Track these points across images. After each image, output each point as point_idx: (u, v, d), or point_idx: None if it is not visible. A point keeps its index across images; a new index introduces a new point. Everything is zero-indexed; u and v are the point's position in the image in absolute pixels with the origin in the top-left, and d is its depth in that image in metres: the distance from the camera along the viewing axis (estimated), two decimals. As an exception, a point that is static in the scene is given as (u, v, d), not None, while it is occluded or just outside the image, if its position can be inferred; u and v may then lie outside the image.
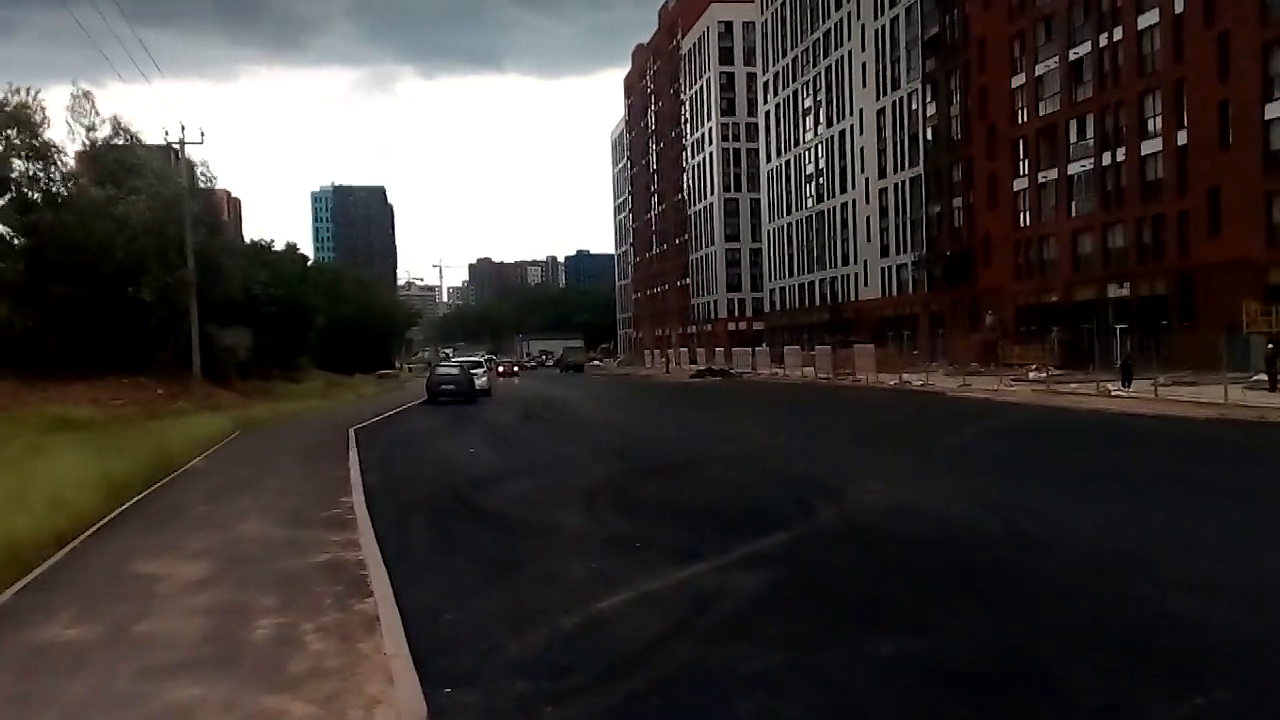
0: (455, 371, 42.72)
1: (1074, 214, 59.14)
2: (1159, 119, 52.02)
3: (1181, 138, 50.28)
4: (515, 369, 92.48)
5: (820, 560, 9.31)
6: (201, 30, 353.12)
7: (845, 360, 60.72)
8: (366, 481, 15.44)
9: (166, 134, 35.91)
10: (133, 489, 14.11)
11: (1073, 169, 59.01)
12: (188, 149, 36.46)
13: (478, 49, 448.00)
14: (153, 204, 34.37)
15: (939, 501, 12.83)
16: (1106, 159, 55.99)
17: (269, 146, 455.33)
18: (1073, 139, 59.13)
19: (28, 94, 32.93)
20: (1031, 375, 50.11)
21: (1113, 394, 36.35)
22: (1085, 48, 57.02)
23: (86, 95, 35.40)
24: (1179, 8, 49.67)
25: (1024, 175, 63.46)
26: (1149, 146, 52.78)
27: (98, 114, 36.04)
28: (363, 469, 17.20)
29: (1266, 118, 45.18)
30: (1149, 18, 51.95)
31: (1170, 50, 50.59)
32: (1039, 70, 61.40)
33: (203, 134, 34.31)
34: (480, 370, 48.32)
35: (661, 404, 43.34)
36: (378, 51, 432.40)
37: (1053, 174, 60.66)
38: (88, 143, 36.25)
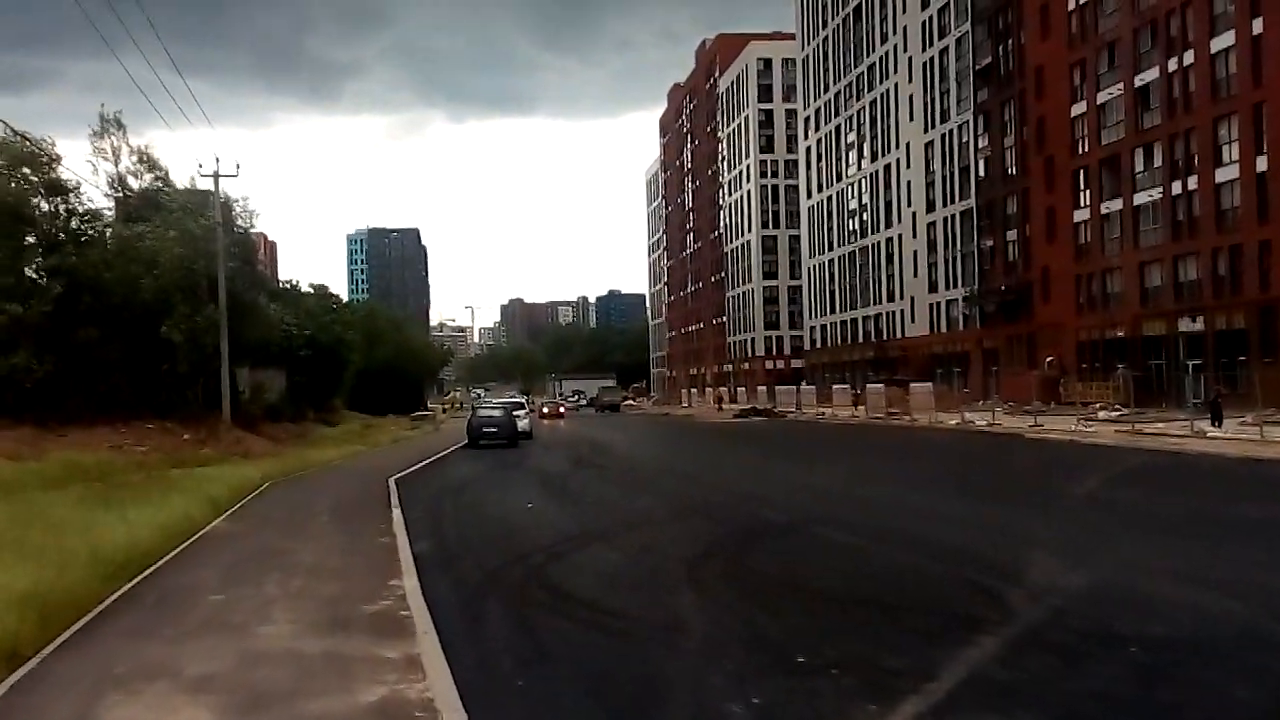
0: (497, 413, 40.34)
1: (1140, 245, 56.27)
2: (1235, 145, 49.28)
3: (1261, 164, 47.48)
4: (561, 410, 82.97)
5: (1084, 691, 6.60)
6: (238, 80, 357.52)
7: (898, 399, 57.94)
8: (417, 551, 12.92)
9: (200, 166, 34.04)
10: (132, 564, 11.51)
11: (1139, 199, 56.27)
12: (222, 183, 34.49)
13: (507, 92, 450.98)
14: (183, 240, 32.48)
15: (1148, 582, 10.22)
16: (1177, 188, 53.22)
17: (304, 191, 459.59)
18: (1138, 168, 56.44)
19: (42, 142, 31.47)
20: (1102, 415, 47.33)
21: (1208, 435, 33.49)
22: (1152, 74, 54.49)
23: (116, 121, 33.55)
24: (1257, 29, 47.08)
25: (1085, 207, 60.76)
26: (1224, 174, 50.02)
27: (127, 144, 34.22)
28: (410, 532, 14.68)
29: (1357, 141, 42.40)
30: (1223, 40, 49.43)
31: (1248, 73, 47.97)
32: (1101, 98, 58.88)
33: (238, 167, 32.69)
34: (522, 412, 45.99)
35: (717, 447, 40.67)
36: (409, 96, 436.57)
37: (1117, 205, 57.92)
38: (114, 177, 34.46)
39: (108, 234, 33.32)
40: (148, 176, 35.27)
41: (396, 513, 17.29)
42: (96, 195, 34.90)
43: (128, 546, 11.86)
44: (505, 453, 35.06)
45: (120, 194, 34.60)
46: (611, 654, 8.12)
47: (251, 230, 38.71)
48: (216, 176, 33.98)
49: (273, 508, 18.73)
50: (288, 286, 54.32)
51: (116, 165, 34.19)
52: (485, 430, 38.42)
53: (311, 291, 55.96)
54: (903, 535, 13.98)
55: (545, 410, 76.81)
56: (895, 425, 50.96)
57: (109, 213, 34.77)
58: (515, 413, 42.16)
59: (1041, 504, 17.42)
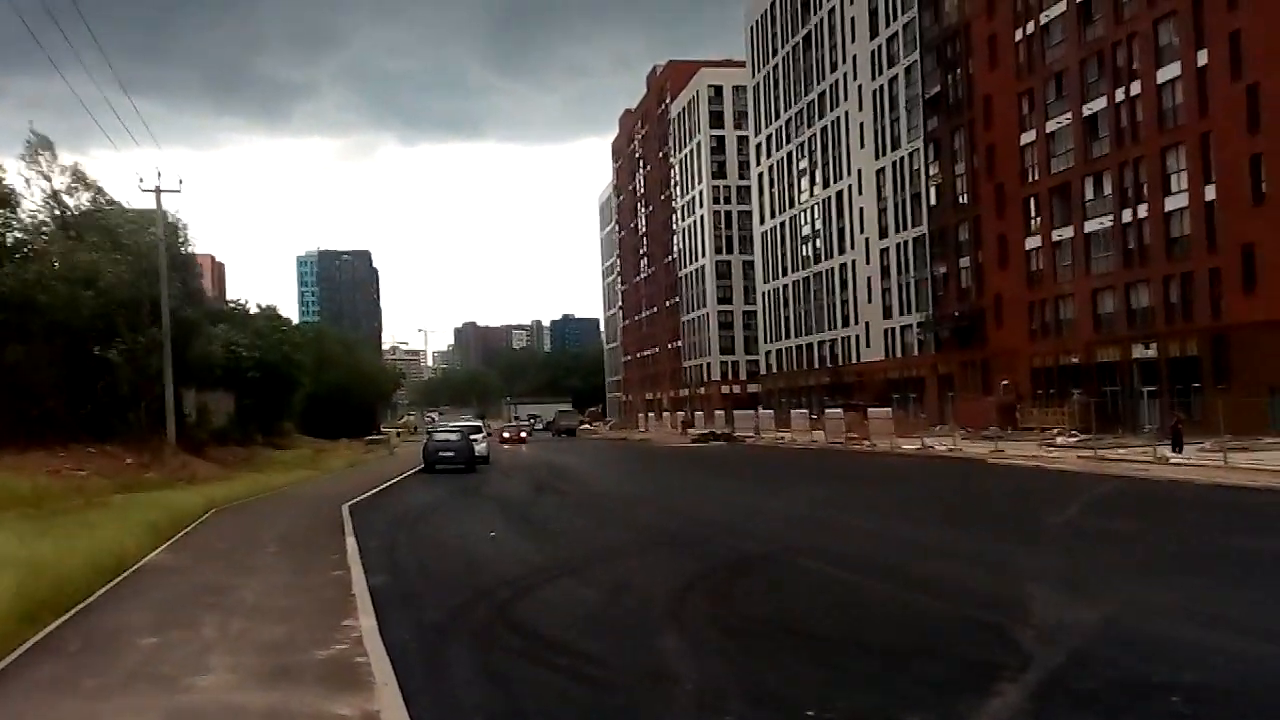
0: (454, 437, 39.34)
1: (1092, 272, 56.80)
2: (1184, 174, 49.90)
3: (1210, 192, 48.11)
4: (523, 435, 79.65)
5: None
6: (186, 99, 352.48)
7: (857, 424, 57.74)
8: (373, 585, 12.02)
9: (140, 180, 32.65)
10: (57, 604, 10.43)
11: (1090, 226, 56.81)
12: (164, 199, 33.28)
13: (459, 116, 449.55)
14: (125, 257, 31.23)
15: (1163, 621, 9.67)
16: (1127, 216, 53.79)
17: (254, 213, 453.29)
18: (1089, 196, 57.03)
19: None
20: (1060, 440, 47.46)
21: (1171, 461, 33.51)
22: (1100, 103, 55.18)
23: (44, 142, 32.23)
24: (1202, 60, 47.84)
25: (1036, 234, 61.28)
26: (1173, 202, 50.62)
27: (57, 163, 32.87)
28: (366, 565, 13.67)
29: (1307, 171, 43.07)
30: (1169, 71, 50.16)
31: (1195, 103, 48.64)
32: (1050, 127, 59.51)
33: (180, 182, 31.02)
34: (480, 436, 45.01)
35: (680, 472, 40.00)
36: (360, 119, 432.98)
37: (1068, 232, 58.45)
38: (47, 193, 33.06)
39: (47, 251, 31.83)
40: (84, 195, 33.91)
41: (351, 542, 16.29)
42: (34, 209, 33.24)
43: (54, 582, 10.81)
44: (463, 478, 34.10)
45: (56, 211, 33.19)
46: (595, 710, 7.36)
47: (191, 249, 37.46)
48: (159, 191, 32.82)
49: (217, 537, 17.58)
50: (234, 307, 52.85)
51: (49, 182, 32.85)
52: (442, 455, 37.46)
53: (259, 312, 54.50)
54: (891, 568, 13.35)
55: (506, 435, 74.01)
56: (856, 450, 50.73)
57: (48, 229, 33.30)
58: (472, 436, 41.18)
59: (1024, 534, 16.92)
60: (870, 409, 59.00)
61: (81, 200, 33.95)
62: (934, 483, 30.33)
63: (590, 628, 10.02)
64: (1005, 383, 63.50)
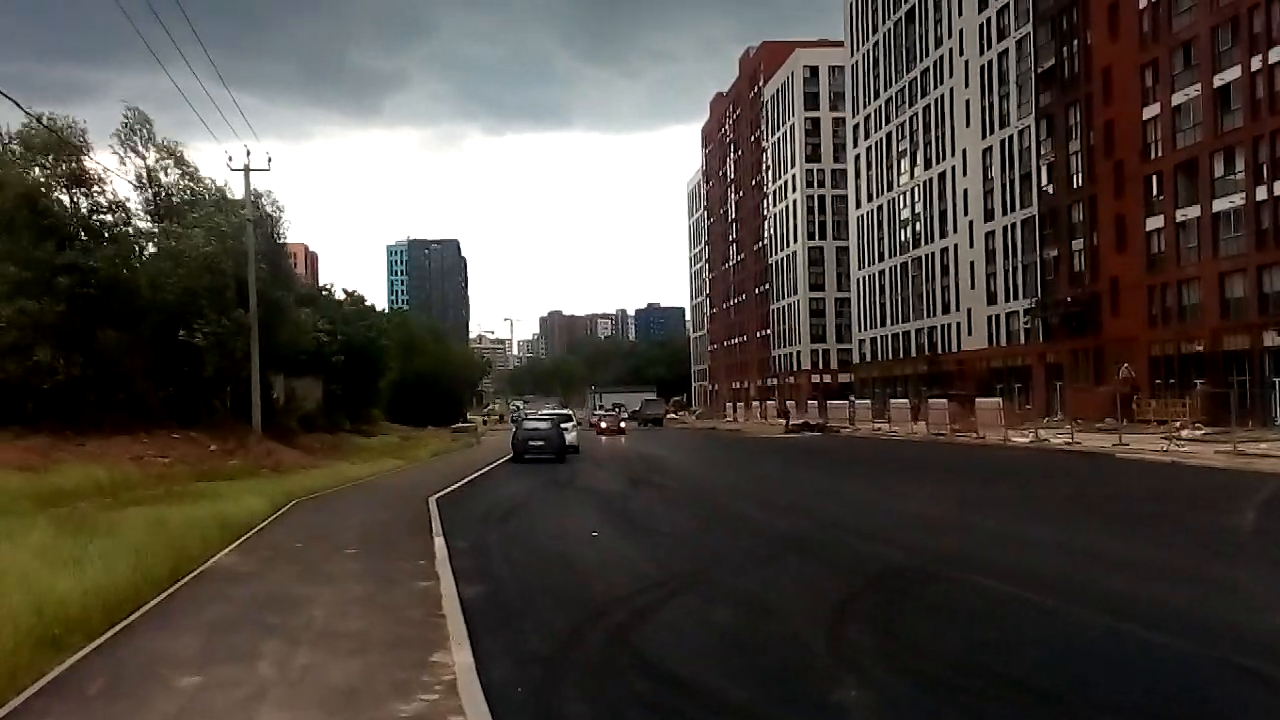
0: (545, 426, 37.90)
1: (1220, 255, 52.93)
2: (1327, 146, 46.02)
3: (1358, 167, 44.22)
4: (622, 424, 72.46)
5: None
6: (281, 92, 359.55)
7: (962, 415, 54.82)
8: (466, 600, 10.25)
9: (230, 159, 31.85)
10: (88, 623, 8.66)
11: (1218, 205, 52.92)
12: (253, 177, 32.38)
13: (544, 105, 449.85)
14: (210, 237, 30.40)
15: None
16: (1262, 193, 49.85)
17: (344, 204, 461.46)
18: (1218, 173, 53.14)
19: (69, 121, 29.23)
20: (1185, 434, 44.14)
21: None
22: (1234, 73, 51.23)
23: (141, 118, 31.52)
24: (1355, 21, 43.90)
25: (1158, 214, 57.46)
26: (1315, 179, 46.74)
27: (152, 141, 32.19)
28: (456, 573, 11.95)
29: None
30: (1313, 35, 46.24)
31: (1342, 69, 44.76)
32: (1176, 100, 55.63)
33: (269, 160, 30.03)
34: (570, 425, 43.56)
35: (782, 465, 37.72)
36: (446, 109, 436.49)
37: (1194, 212, 54.60)
38: (141, 172, 32.41)
39: (130, 231, 31.21)
40: (175, 173, 33.19)
41: (439, 543, 14.52)
42: (126, 191, 32.78)
43: (88, 594, 9.18)
44: (554, 469, 32.53)
45: (148, 190, 32.56)
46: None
47: (282, 228, 36.65)
48: (247, 170, 31.92)
49: (292, 535, 15.92)
50: (322, 291, 52.33)
51: (144, 160, 32.17)
52: (531, 444, 36.04)
53: (346, 297, 53.82)
54: (1076, 587, 11.09)
55: (604, 425, 68.48)
56: (963, 443, 47.94)
57: (138, 210, 32.77)
58: (563, 425, 39.73)
59: (1209, 543, 14.62)
60: (978, 399, 55.96)
61: (172, 177, 33.29)
62: (1065, 479, 27.62)
63: (734, 667, 8.07)
64: (1124, 366, 59.81)
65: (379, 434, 47.92)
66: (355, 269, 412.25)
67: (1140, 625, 9.12)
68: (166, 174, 32.91)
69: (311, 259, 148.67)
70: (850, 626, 9.38)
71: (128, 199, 32.52)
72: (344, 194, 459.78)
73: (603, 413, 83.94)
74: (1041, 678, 7.67)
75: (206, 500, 17.86)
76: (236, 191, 33.32)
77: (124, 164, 32.14)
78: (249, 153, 32.13)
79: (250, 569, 12.62)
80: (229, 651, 8.36)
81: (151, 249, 32.22)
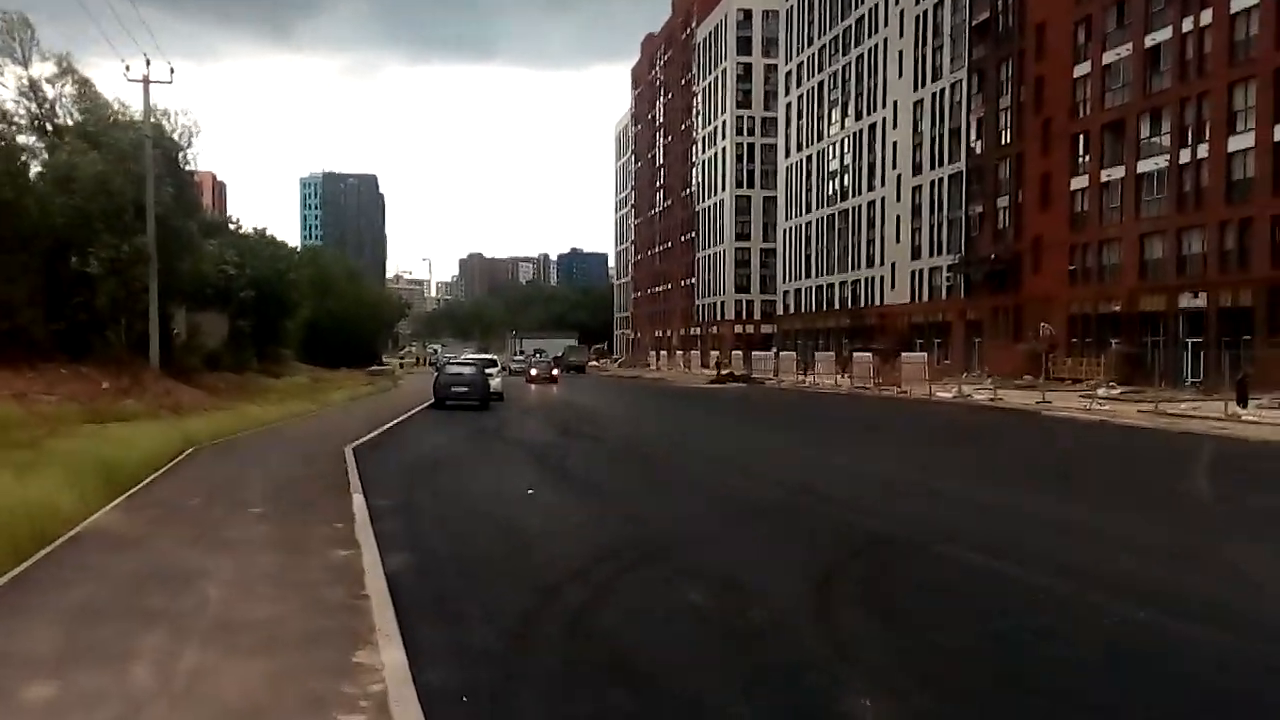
0: (469, 371, 36.42)
1: (1142, 216, 53.45)
2: (1252, 112, 46.35)
3: (1279, 133, 44.58)
4: (554, 372, 66.64)
5: None
6: (188, 6, 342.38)
7: (886, 369, 54.86)
8: (393, 575, 8.80)
9: (128, 68, 29.12)
10: None
11: (1143, 166, 53.37)
12: (156, 93, 29.92)
13: (468, 36, 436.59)
14: (106, 156, 28.01)
15: None
16: (1185, 156, 50.30)
17: (257, 132, 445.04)
18: (1144, 134, 53.46)
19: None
20: (1101, 392, 44.71)
21: (1243, 418, 30.65)
22: (1165, 33, 51.35)
23: (24, 22, 28.65)
24: (1286, -13, 44.00)
25: (1084, 173, 57.77)
26: (1238, 143, 47.14)
27: (37, 49, 29.36)
28: (379, 540, 10.35)
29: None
30: (1244, 0, 46.29)
31: (1271, 36, 44.98)
32: (1107, 59, 55.72)
33: (172, 72, 27.18)
34: (495, 370, 42.14)
35: (714, 415, 36.88)
36: (367, 35, 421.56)
37: (1119, 172, 54.99)
38: (23, 83, 29.56)
39: (8, 145, 28.49)
40: (64, 85, 30.38)
41: (357, 501, 12.95)
42: (7, 105, 29.82)
43: None
44: (479, 417, 31.13)
45: (32, 104, 29.80)
46: None
47: (190, 154, 34.07)
48: (146, 82, 29.37)
49: (188, 490, 14.01)
50: (229, 224, 49.56)
51: (26, 69, 29.37)
52: (454, 390, 34.60)
53: (253, 232, 51.07)
54: (1075, 564, 10.14)
55: (535, 372, 63.10)
56: (890, 397, 47.86)
57: (23, 125, 29.95)
58: (487, 371, 38.32)
59: (1182, 510, 14.11)
60: (904, 354, 56.03)
61: (63, 91, 30.48)
62: (1006, 438, 27.29)
63: (720, 666, 6.88)
64: (1044, 325, 60.41)
65: (289, 375, 45.77)
66: (267, 202, 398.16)
67: (1140, 606, 8.31)
68: (55, 86, 30.13)
69: (219, 188, 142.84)
70: (845, 613, 8.34)
71: (11, 113, 29.85)
72: (255, 121, 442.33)
73: (535, 358, 78.97)
74: (1073, 681, 6.64)
75: (93, 444, 16.07)
76: (137, 108, 30.70)
77: (1, 74, 29.35)
78: (149, 62, 29.35)
79: (135, 533, 10.77)
80: (97, 650, 6.68)
81: (38, 168, 29.58)
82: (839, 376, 59.33)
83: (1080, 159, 58.20)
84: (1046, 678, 6.81)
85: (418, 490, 15.42)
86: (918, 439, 27.05)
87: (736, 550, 11.11)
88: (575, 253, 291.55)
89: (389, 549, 10.11)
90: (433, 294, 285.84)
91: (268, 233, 52.87)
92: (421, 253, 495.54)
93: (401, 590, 8.39)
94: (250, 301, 41.51)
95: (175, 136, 32.84)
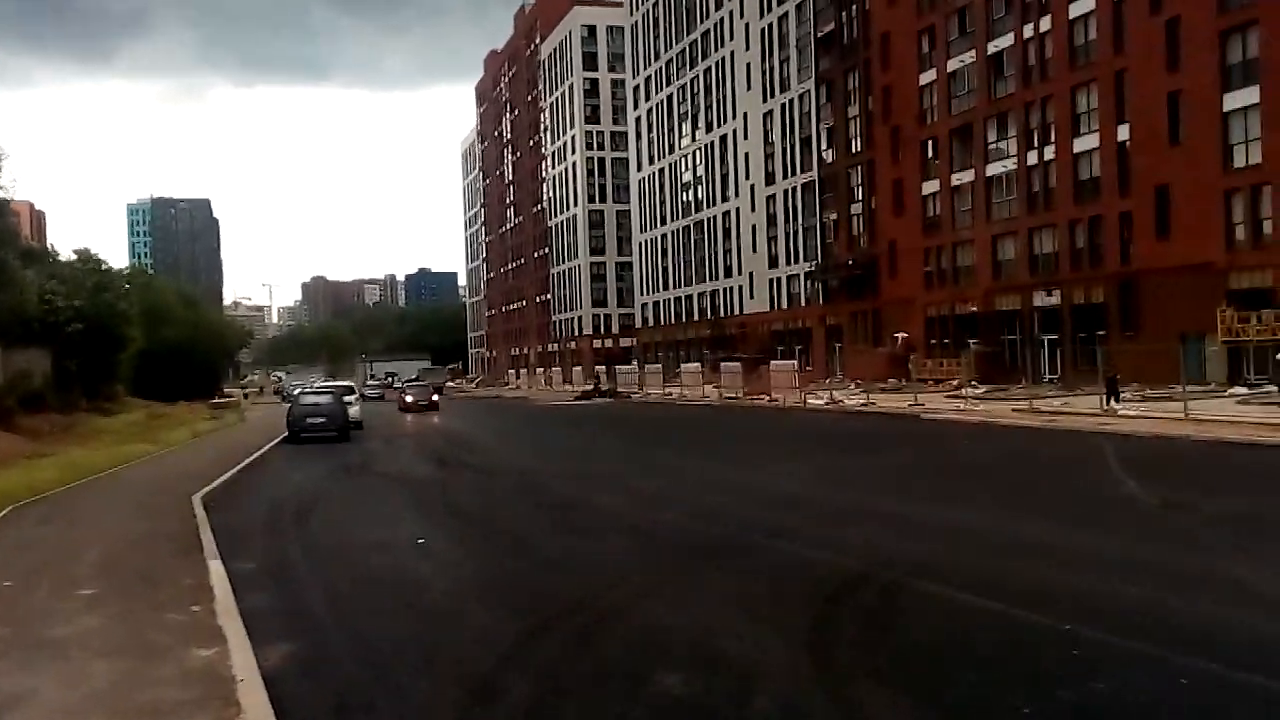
0: (325, 400, 33.77)
1: (993, 218, 54.82)
2: (1095, 114, 48.03)
3: (1123, 133, 46.24)
4: (434, 397, 59.13)
5: None
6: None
7: (755, 378, 54.42)
8: (271, 675, 6.86)
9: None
10: None
11: (992, 169, 54.79)
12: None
13: (299, 58, 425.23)
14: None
15: None
16: (1033, 158, 51.83)
17: (80, 161, 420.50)
18: (991, 138, 54.92)
19: None
20: (966, 392, 45.36)
21: (1120, 414, 31.06)
22: (1007, 40, 52.84)
23: None
24: (1119, -7, 45.65)
25: (934, 178, 58.96)
26: (1083, 144, 48.75)
27: None
28: (250, 627, 8.23)
29: (1225, 109, 41.30)
30: (1083, 5, 48.04)
31: (1109, 40, 46.63)
32: (951, 66, 57.04)
33: None
34: (353, 397, 39.44)
35: (595, 436, 35.00)
36: (191, 58, 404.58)
37: (968, 176, 56.33)
38: None
39: None
40: None
41: (215, 569, 10.74)
42: None
43: None
44: (340, 449, 28.63)
45: None
46: None
47: (1, 177, 30.59)
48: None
49: (1, 564, 11.48)
50: (48, 252, 45.15)
51: None
52: (310, 421, 31.95)
53: (74, 258, 46.55)
54: (1083, 599, 8.80)
55: (410, 399, 55.51)
56: (762, 407, 47.24)
57: None
58: (345, 398, 35.70)
59: (1081, 515, 13.31)
60: (773, 362, 55.75)
61: None
62: (902, 445, 26.44)
63: None
64: (901, 336, 61.37)
65: (123, 412, 41.87)
66: (93, 231, 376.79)
67: (1207, 660, 7.04)
68: None
69: (38, 217, 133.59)
70: (868, 689, 6.74)
71: None
72: (78, 149, 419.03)
73: (409, 383, 71.05)
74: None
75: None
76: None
77: None
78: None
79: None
80: None
81: None
82: (706, 388, 58.64)
83: (930, 164, 59.34)
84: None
85: (286, 547, 13.23)
86: (815, 450, 26.05)
87: (692, 605, 9.46)
88: (424, 272, 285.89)
89: (264, 639, 8.05)
90: (274, 319, 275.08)
91: (93, 254, 48.28)
92: (262, 278, 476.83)
93: (291, 707, 6.39)
94: (77, 335, 37.72)
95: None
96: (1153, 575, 9.94)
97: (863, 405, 42.68)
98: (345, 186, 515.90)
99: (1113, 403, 32.88)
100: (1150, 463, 19.52)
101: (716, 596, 9.82)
